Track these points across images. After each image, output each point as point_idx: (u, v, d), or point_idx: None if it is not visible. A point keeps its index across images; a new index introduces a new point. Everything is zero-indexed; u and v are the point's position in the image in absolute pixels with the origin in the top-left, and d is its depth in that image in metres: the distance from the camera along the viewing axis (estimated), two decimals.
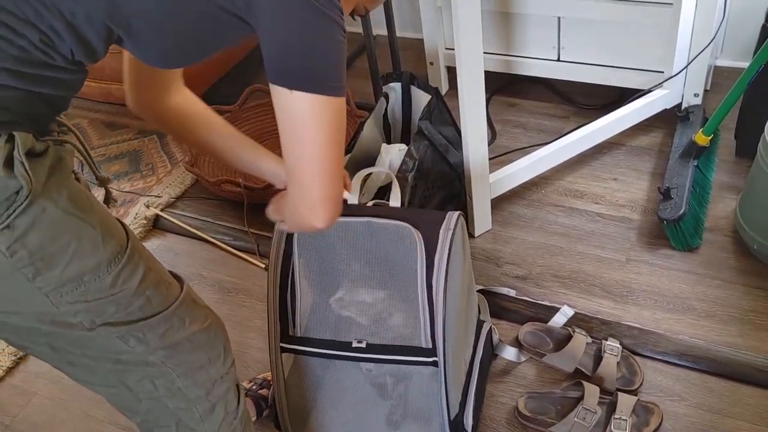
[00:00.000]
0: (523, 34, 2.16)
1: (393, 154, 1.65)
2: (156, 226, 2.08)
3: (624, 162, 1.98)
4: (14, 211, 0.73)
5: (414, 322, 1.21)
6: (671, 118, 1.99)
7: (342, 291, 1.24)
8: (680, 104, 1.99)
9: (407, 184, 1.57)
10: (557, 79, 2.23)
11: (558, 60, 2.15)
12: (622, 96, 2.08)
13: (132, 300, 0.87)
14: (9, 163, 0.72)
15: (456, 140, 1.75)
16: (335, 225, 1.03)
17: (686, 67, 1.89)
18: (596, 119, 1.94)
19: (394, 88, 1.85)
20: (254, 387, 1.51)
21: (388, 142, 1.86)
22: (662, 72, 1.97)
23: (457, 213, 1.23)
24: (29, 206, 0.74)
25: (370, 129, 1.77)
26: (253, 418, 1.46)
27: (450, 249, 1.17)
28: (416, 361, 1.23)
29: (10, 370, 1.72)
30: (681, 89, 1.96)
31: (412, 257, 1.18)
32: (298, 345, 1.28)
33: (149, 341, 0.91)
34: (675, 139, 1.89)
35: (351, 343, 1.25)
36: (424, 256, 1.17)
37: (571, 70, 2.15)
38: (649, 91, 1.97)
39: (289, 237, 1.25)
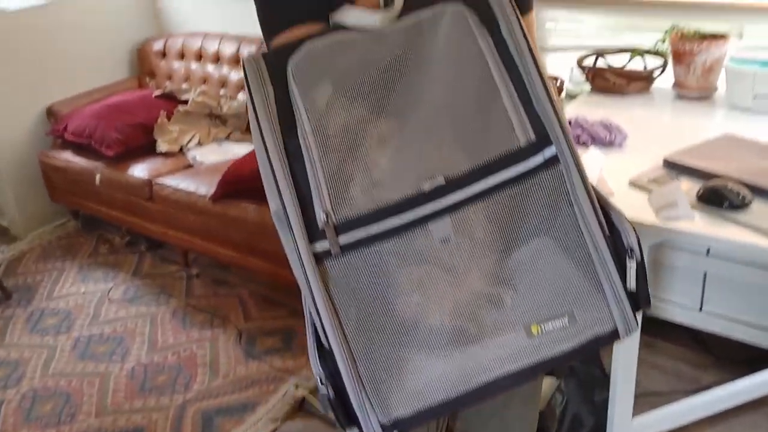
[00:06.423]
0: (667, 280, 2.28)
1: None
2: (302, 407, 2.23)
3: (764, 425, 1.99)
4: None
5: (499, 114, 0.83)
6: None
7: (381, 122, 0.85)
8: None
9: (555, 417, 1.67)
10: (697, 328, 2.29)
11: (700, 310, 2.24)
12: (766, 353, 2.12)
13: None
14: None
15: (600, 380, 1.85)
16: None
17: None
18: (737, 375, 1.98)
19: None
20: None
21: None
22: None
23: None
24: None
25: None
26: None
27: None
28: (525, 171, 0.83)
29: None
30: None
31: (470, 39, 0.84)
32: (343, 233, 0.81)
33: None
34: None
35: (421, 187, 0.83)
36: (485, 31, 0.84)
37: (712, 322, 2.22)
38: None
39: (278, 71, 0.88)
